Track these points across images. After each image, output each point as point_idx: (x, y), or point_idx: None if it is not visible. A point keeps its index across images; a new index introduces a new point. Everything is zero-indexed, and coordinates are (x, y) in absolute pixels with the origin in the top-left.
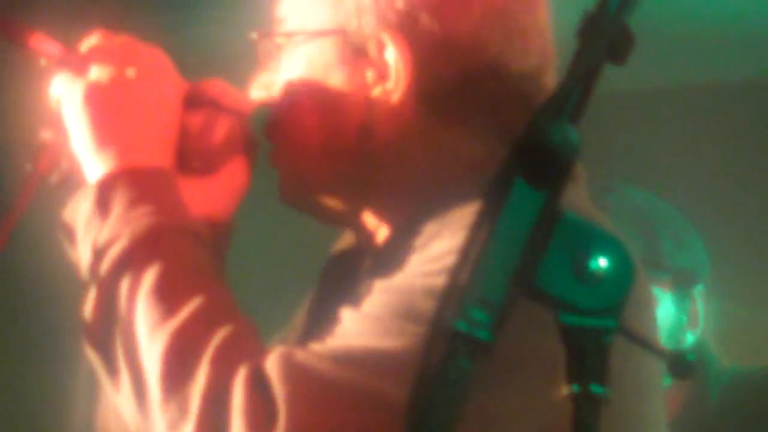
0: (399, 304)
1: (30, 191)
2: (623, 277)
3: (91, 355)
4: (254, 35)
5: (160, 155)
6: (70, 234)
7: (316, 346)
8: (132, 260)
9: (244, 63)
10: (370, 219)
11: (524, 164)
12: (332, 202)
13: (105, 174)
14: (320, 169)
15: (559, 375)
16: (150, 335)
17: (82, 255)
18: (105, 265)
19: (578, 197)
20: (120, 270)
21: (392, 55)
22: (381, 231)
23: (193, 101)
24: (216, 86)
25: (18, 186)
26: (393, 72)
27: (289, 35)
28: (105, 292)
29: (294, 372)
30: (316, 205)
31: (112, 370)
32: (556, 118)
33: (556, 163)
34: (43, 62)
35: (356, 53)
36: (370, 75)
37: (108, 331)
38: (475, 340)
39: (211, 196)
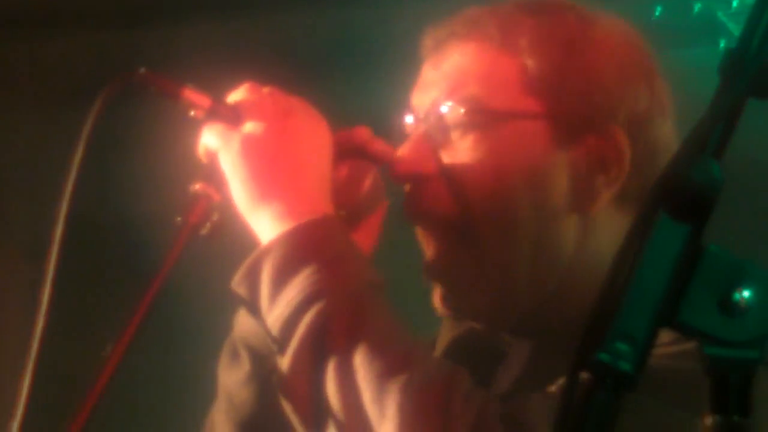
0: None
1: (182, 243)
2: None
3: (292, 407)
4: (445, 108)
5: (324, 204)
6: (250, 296)
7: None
8: (337, 318)
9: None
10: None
11: (668, 199)
12: (513, 298)
13: (283, 233)
14: (519, 247)
15: (702, 406)
16: (379, 390)
17: (274, 312)
18: (308, 320)
19: None
20: (325, 326)
21: (620, 149)
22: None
23: (339, 151)
24: (362, 134)
25: (170, 238)
26: (618, 164)
27: (492, 113)
28: (311, 346)
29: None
30: (497, 302)
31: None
32: (699, 154)
33: (700, 198)
34: (192, 114)
35: (570, 140)
36: (588, 163)
37: (318, 384)
38: (618, 372)
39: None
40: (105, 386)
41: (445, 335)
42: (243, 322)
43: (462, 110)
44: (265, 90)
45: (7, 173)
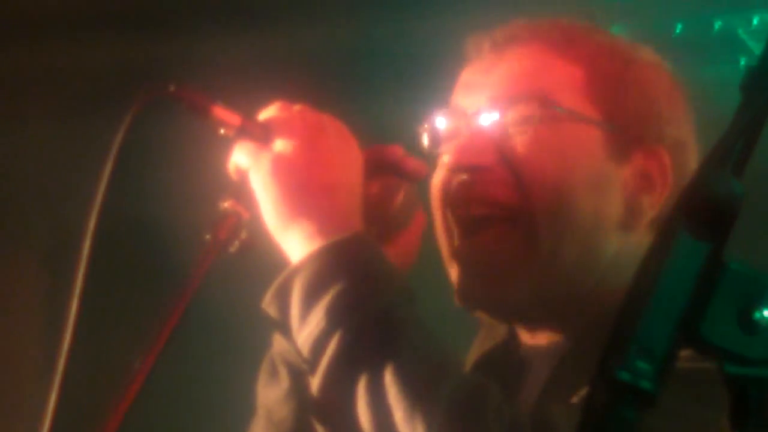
0: None
1: (209, 260)
2: None
3: (324, 427)
4: (506, 103)
5: (354, 222)
6: (281, 316)
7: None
8: (366, 337)
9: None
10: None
11: (689, 216)
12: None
13: (312, 252)
14: (573, 245)
15: (723, 423)
16: (411, 409)
17: (304, 331)
18: (337, 339)
19: None
20: (354, 346)
21: (665, 170)
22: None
23: (370, 168)
24: (395, 152)
25: (198, 256)
26: (662, 185)
27: (557, 110)
28: (341, 365)
29: None
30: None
31: None
32: (719, 170)
33: (720, 214)
34: (222, 131)
35: (622, 155)
36: (635, 182)
37: (349, 403)
38: (638, 389)
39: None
40: (132, 402)
41: (475, 351)
42: (282, 339)
43: (529, 104)
44: (296, 108)
45: (24, 182)
